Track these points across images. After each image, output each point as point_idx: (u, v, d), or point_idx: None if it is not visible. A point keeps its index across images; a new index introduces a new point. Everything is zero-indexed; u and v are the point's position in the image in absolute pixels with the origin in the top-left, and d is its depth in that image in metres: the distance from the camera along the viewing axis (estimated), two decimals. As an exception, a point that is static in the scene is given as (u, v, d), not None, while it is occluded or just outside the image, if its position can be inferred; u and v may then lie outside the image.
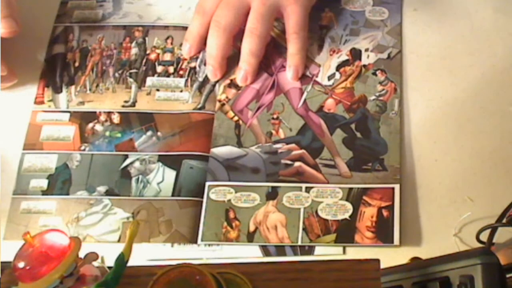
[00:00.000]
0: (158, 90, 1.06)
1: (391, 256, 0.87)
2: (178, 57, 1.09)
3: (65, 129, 1.03)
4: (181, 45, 1.09)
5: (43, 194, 0.98)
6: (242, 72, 1.03)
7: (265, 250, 0.93)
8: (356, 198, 0.94)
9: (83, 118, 1.04)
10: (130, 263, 0.69)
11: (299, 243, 0.92)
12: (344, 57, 1.05)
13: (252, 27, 1.02)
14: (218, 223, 0.94)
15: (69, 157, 1.01)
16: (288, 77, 1.04)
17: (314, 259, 0.92)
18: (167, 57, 1.09)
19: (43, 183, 0.99)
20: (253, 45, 1.02)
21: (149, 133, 1.02)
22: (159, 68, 1.08)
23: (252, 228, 0.94)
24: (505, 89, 1.00)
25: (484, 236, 0.87)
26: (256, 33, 1.02)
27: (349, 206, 0.94)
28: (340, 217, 0.93)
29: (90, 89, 1.06)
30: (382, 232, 0.92)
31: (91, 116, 1.04)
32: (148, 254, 0.94)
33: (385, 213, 0.93)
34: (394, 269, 0.84)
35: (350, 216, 0.93)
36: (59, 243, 0.66)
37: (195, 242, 0.94)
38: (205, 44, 1.06)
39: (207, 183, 0.97)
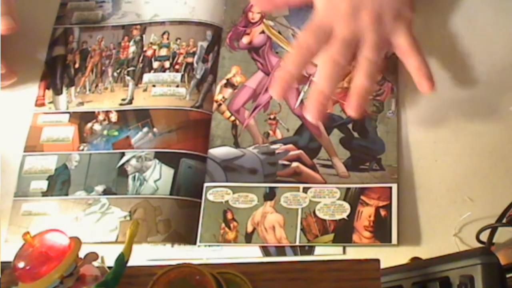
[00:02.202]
0: (154, 86, 1.06)
1: (391, 256, 0.88)
2: (174, 51, 1.09)
3: (64, 130, 1.03)
4: (177, 39, 1.09)
5: (43, 196, 0.99)
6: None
7: (265, 250, 0.94)
8: (353, 198, 0.95)
9: (82, 118, 1.04)
10: (130, 263, 0.69)
11: (297, 243, 0.93)
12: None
13: (367, 55, 0.95)
14: (216, 224, 0.95)
15: (68, 158, 1.01)
16: (424, 90, 0.96)
17: (314, 259, 0.92)
18: (163, 52, 1.09)
19: (43, 185, 1.00)
20: (371, 71, 0.96)
21: (145, 129, 1.02)
22: (156, 64, 1.09)
23: (250, 229, 0.94)
24: (505, 89, 1.00)
25: (484, 236, 0.87)
26: (373, 61, 0.96)
27: (346, 206, 0.94)
28: (338, 217, 0.94)
29: (89, 90, 1.07)
30: (380, 232, 0.92)
31: (90, 116, 1.05)
32: (148, 254, 0.94)
33: (382, 212, 0.93)
34: (394, 269, 0.84)
35: (348, 216, 0.94)
36: (59, 243, 0.66)
37: (194, 243, 0.94)
38: None
39: (205, 184, 0.97)
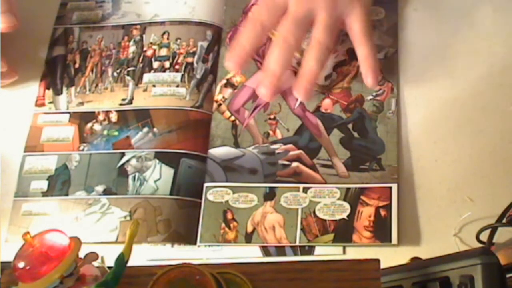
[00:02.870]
0: (154, 86, 1.06)
1: (391, 256, 0.88)
2: (174, 51, 1.09)
3: (65, 130, 1.03)
4: (177, 39, 1.09)
5: (43, 196, 0.99)
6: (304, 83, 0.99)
7: (265, 250, 0.94)
8: (353, 198, 0.95)
9: (82, 118, 1.04)
10: (130, 263, 0.69)
11: (297, 243, 0.93)
12: (340, 57, 1.05)
13: (319, 38, 0.99)
14: (216, 224, 0.95)
15: (68, 158, 1.01)
16: (368, 83, 1.00)
17: (314, 259, 0.92)
18: (163, 52, 1.09)
19: (43, 185, 0.99)
20: (321, 55, 0.99)
21: (145, 129, 1.02)
22: (156, 64, 1.08)
23: (250, 229, 0.94)
24: (505, 89, 1.00)
25: (484, 236, 0.87)
26: (324, 44, 0.99)
27: (346, 206, 0.94)
28: (338, 217, 0.94)
29: (89, 90, 1.07)
30: (380, 231, 0.92)
31: (90, 116, 1.05)
32: (148, 254, 0.95)
33: (382, 212, 0.93)
34: (394, 269, 0.84)
35: (348, 216, 0.94)
36: (59, 243, 0.66)
37: (194, 243, 0.94)
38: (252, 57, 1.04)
39: (205, 184, 0.97)
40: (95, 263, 0.71)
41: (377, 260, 0.75)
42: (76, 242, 0.68)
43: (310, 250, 0.93)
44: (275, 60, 0.98)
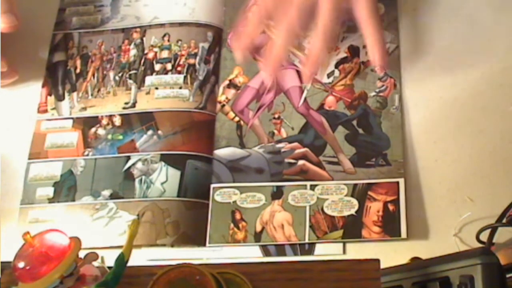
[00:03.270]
0: (157, 88, 1.06)
1: (391, 256, 0.89)
2: (175, 53, 1.09)
3: (68, 136, 1.03)
4: (178, 41, 1.09)
5: (49, 202, 0.99)
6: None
7: (265, 250, 0.94)
8: (361, 194, 0.95)
9: (86, 124, 1.04)
10: (130, 263, 0.69)
11: (307, 240, 0.93)
12: (342, 54, 1.05)
13: (324, 22, 0.98)
14: (225, 225, 0.95)
15: (73, 164, 1.01)
16: (377, 69, 1.01)
17: (314, 259, 0.92)
18: (165, 54, 1.09)
19: (50, 191, 0.99)
20: (325, 35, 0.99)
21: (149, 132, 1.02)
22: (157, 66, 1.08)
23: (259, 228, 0.94)
24: (505, 89, 1.00)
25: (484, 236, 0.87)
26: (329, 26, 0.99)
27: (354, 202, 0.94)
28: (346, 213, 0.94)
29: (91, 95, 1.06)
30: (389, 226, 0.92)
31: (93, 120, 1.04)
32: (149, 254, 0.94)
33: (391, 207, 0.93)
34: (394, 269, 0.84)
35: (356, 212, 0.94)
36: (59, 243, 0.66)
37: (204, 244, 0.94)
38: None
39: (212, 185, 0.97)
40: (95, 263, 0.71)
41: (377, 260, 0.75)
42: (76, 242, 0.68)
43: (310, 250, 0.93)
44: (278, 45, 0.99)
